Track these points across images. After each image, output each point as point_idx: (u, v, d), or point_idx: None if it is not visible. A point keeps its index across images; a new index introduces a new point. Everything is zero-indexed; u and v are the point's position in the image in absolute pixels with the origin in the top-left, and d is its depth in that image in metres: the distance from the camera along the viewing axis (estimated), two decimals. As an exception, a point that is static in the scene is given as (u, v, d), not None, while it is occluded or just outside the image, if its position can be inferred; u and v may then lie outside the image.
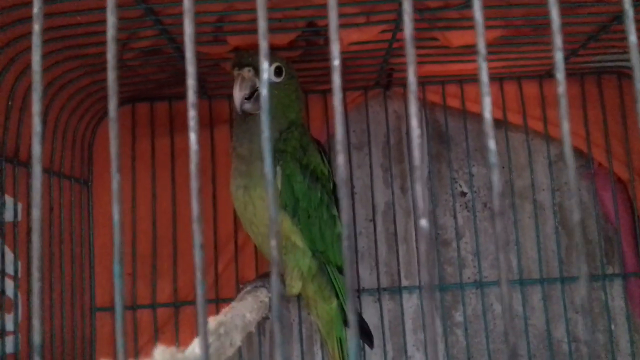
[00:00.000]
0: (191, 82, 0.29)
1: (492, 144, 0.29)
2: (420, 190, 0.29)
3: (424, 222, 0.29)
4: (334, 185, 0.90)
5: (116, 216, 0.28)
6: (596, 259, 1.06)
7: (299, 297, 1.04)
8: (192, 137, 0.28)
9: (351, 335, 0.28)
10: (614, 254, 1.07)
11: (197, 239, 0.27)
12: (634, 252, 1.05)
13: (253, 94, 0.77)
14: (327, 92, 1.07)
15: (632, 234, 1.05)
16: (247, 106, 0.77)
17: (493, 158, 0.29)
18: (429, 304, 0.28)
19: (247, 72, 0.76)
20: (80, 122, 0.98)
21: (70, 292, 0.94)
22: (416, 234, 1.07)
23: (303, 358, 1.05)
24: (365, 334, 0.93)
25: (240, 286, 0.79)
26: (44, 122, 0.88)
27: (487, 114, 0.29)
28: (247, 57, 0.78)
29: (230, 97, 1.04)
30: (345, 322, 0.89)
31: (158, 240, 1.03)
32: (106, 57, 0.88)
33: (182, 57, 0.87)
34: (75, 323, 0.95)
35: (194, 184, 0.28)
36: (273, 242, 0.28)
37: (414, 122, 0.29)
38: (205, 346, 0.26)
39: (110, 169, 0.92)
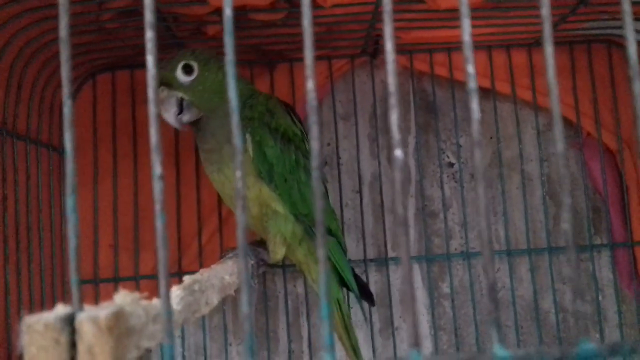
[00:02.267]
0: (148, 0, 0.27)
1: (470, 68, 0.27)
2: (395, 119, 0.27)
3: (398, 152, 0.27)
4: None
5: (69, 144, 0.26)
6: (584, 230, 1.05)
7: (284, 269, 1.03)
8: (150, 59, 0.26)
9: (321, 273, 0.27)
10: (602, 225, 1.06)
11: (157, 169, 0.25)
12: (622, 222, 1.04)
13: (182, 105, 0.78)
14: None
15: (620, 204, 1.04)
16: (186, 118, 0.78)
17: (472, 83, 0.27)
18: (404, 237, 0.26)
19: (161, 92, 0.76)
20: (58, 90, 0.95)
21: (50, 264, 0.92)
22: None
23: (289, 330, 1.03)
24: (366, 294, 0.93)
25: (223, 252, 0.78)
26: (19, 89, 0.85)
27: (467, 37, 0.27)
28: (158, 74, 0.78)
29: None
30: (342, 284, 0.88)
31: (140, 211, 1.01)
32: (82, 20, 0.84)
33: (161, 19, 0.84)
34: (55, 295, 0.93)
35: (151, 109, 0.26)
36: (238, 173, 0.26)
37: (389, 46, 0.27)
38: (166, 277, 0.25)
39: (90, 137, 0.88)
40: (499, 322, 0.26)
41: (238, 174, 0.26)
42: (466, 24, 0.27)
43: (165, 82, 0.77)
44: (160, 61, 0.80)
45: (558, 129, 0.27)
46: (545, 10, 0.27)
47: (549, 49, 0.26)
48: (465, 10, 0.27)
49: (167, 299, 0.24)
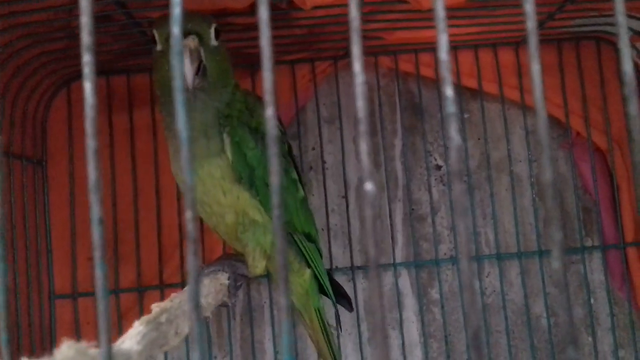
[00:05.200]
0: (85, 19, 0.24)
1: (449, 91, 0.24)
2: (365, 147, 0.24)
3: (369, 186, 0.24)
4: (289, 147, 0.84)
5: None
6: (574, 232, 1.03)
7: (268, 278, 1.00)
8: (87, 86, 0.23)
9: (285, 320, 0.24)
10: (593, 226, 1.04)
11: (95, 211, 0.22)
12: (613, 223, 1.02)
13: (199, 67, 0.66)
14: (295, 63, 1.01)
15: (612, 205, 1.02)
16: (197, 81, 0.65)
17: (451, 107, 0.24)
18: (375, 281, 0.24)
19: (191, 40, 0.64)
20: (31, 98, 0.91)
21: (26, 279, 0.88)
22: (390, 210, 1.03)
23: (275, 341, 1.01)
24: (343, 297, 0.89)
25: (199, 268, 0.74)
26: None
27: (444, 55, 0.24)
28: (186, 23, 0.64)
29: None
30: (322, 291, 0.85)
31: (119, 223, 0.98)
32: (55, 26, 0.81)
33: (135, 25, 0.81)
34: (32, 311, 0.89)
35: (90, 143, 0.23)
36: (189, 214, 0.23)
37: (357, 67, 0.24)
38: (106, 340, 0.22)
39: (66, 148, 0.85)
40: (484, 372, 0.23)
41: (189, 214, 0.23)
42: (443, 40, 0.24)
43: (199, 33, 0.66)
44: (189, 13, 0.70)
45: (546, 156, 0.24)
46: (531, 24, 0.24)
47: (535, 66, 0.24)
48: (441, 25, 0.24)
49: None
